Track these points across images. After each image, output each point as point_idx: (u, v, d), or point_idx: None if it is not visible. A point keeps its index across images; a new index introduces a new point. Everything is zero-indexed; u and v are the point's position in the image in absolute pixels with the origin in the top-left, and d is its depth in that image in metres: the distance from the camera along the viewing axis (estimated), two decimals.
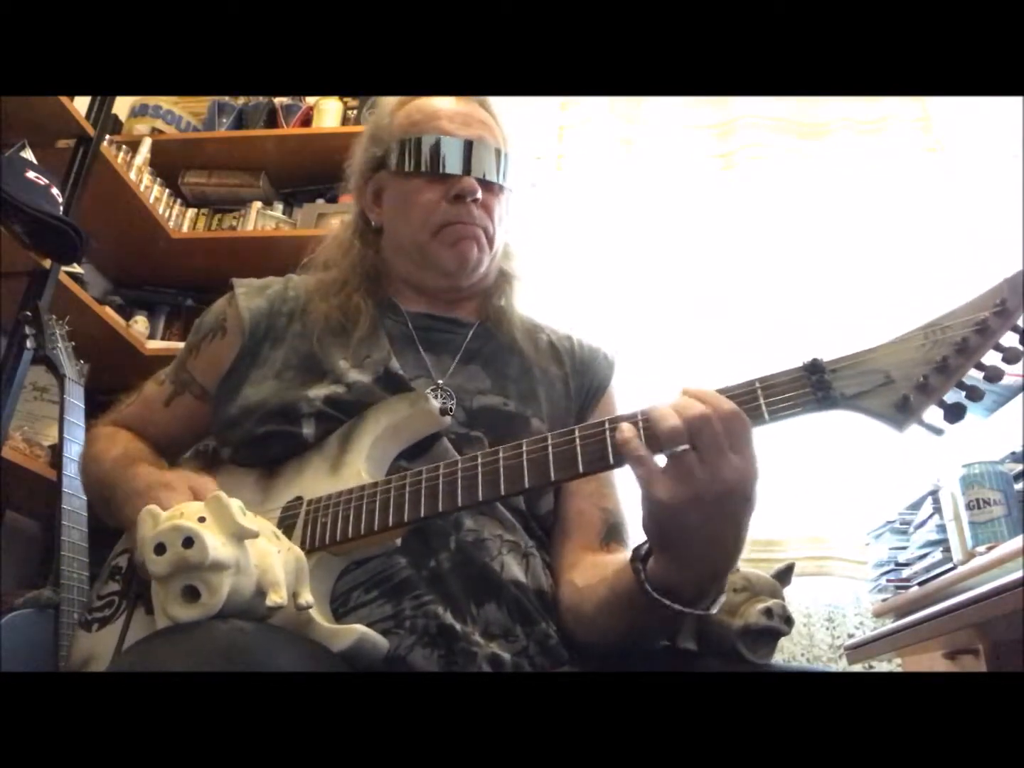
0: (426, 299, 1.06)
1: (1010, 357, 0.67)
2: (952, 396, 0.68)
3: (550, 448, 0.76)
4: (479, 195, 1.00)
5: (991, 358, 0.68)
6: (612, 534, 0.94)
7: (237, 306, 1.03)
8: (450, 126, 1.02)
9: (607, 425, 0.75)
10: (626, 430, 0.71)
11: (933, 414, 0.68)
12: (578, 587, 0.88)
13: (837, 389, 0.70)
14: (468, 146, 1.01)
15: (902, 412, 0.68)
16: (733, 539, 0.70)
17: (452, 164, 1.00)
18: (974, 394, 0.68)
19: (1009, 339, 0.68)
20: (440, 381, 0.97)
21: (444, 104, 1.05)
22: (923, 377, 0.68)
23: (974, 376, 0.68)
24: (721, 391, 0.72)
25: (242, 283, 1.07)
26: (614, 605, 0.80)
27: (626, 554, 0.78)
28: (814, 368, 0.71)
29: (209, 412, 1.03)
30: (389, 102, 1.09)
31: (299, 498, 0.87)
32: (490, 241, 1.03)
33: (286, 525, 0.84)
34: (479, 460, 0.79)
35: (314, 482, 0.88)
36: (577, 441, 0.75)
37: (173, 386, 1.06)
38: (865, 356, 0.71)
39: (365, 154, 1.09)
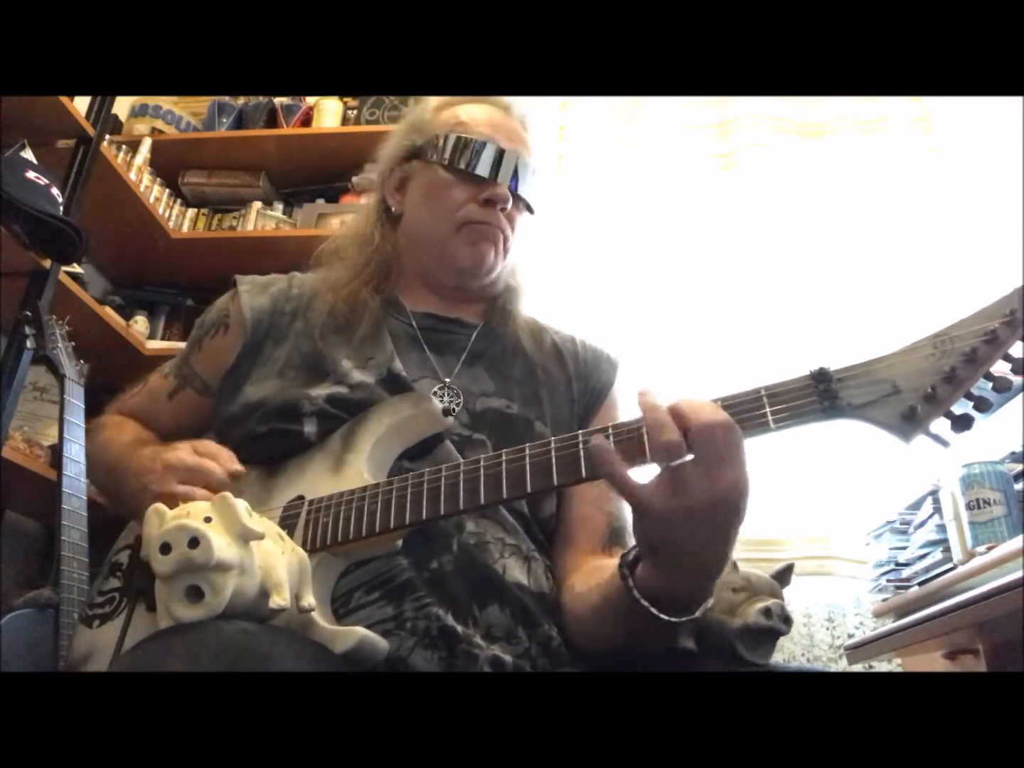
0: (432, 298, 1.07)
1: (1019, 368, 0.66)
2: (960, 407, 0.67)
3: (553, 452, 0.75)
4: (509, 205, 1.02)
5: (1000, 368, 0.67)
6: (615, 538, 0.94)
7: (240, 303, 1.03)
8: (495, 134, 1.04)
9: (611, 431, 0.74)
10: (601, 447, 0.68)
11: (940, 425, 0.67)
12: (577, 591, 0.87)
13: (844, 399, 0.69)
14: (509, 156, 1.03)
15: (909, 423, 0.67)
16: (722, 550, 0.69)
17: (490, 169, 1.01)
18: (982, 405, 0.67)
19: (1018, 349, 0.67)
20: (447, 380, 0.97)
21: (491, 114, 1.07)
22: (931, 388, 0.67)
23: (982, 386, 0.67)
24: (726, 399, 0.71)
25: (245, 280, 1.07)
26: (607, 611, 0.79)
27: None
28: (821, 377, 0.70)
29: (211, 406, 1.03)
30: (432, 99, 1.11)
31: (301, 497, 0.87)
32: (506, 249, 1.05)
33: (287, 525, 0.84)
34: (481, 463, 0.78)
35: (315, 481, 0.88)
36: (580, 446, 0.74)
37: (176, 380, 1.07)
38: (873, 365, 0.70)
39: (400, 142, 1.10)
